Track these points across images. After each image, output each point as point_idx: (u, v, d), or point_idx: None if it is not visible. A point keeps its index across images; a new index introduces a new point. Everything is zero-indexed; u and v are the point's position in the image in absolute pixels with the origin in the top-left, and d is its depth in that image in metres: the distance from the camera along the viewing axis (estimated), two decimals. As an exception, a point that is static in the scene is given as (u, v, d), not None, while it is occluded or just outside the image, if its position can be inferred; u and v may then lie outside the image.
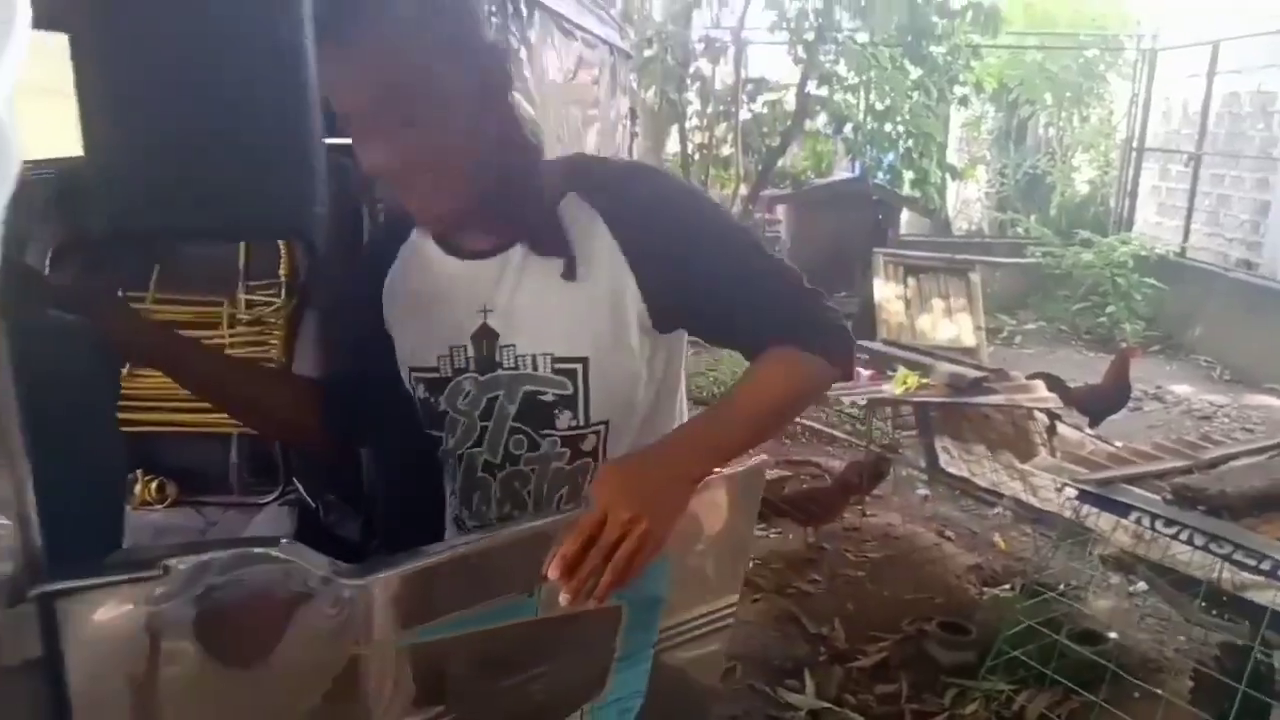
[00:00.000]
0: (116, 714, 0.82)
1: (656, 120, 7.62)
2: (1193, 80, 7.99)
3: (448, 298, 1.12)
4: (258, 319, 1.77)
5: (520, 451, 1.13)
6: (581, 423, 1.11)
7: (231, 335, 1.77)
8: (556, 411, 1.11)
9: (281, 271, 1.74)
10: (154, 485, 1.88)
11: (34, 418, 0.73)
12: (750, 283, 1.10)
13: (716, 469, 1.06)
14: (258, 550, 0.85)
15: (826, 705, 2.66)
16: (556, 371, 1.09)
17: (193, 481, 1.80)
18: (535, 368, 1.10)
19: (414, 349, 1.16)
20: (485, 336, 1.11)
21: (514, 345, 1.10)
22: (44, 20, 0.60)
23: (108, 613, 0.80)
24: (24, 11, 0.53)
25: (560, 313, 1.08)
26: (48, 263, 1.55)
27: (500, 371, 1.11)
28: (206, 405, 1.81)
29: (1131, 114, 8.63)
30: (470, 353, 1.12)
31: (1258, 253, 7.47)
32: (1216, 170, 7.93)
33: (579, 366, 1.09)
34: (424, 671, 0.95)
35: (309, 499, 1.73)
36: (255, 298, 1.77)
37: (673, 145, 7.85)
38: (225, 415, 1.81)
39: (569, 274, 1.07)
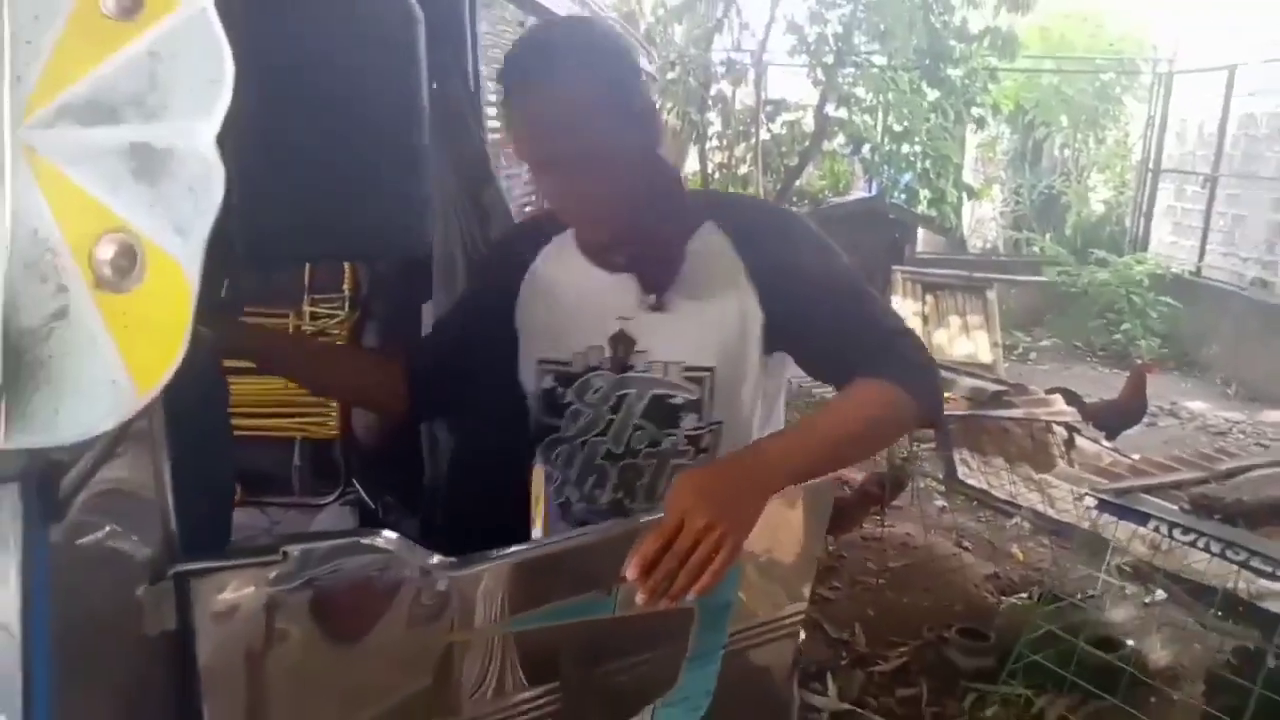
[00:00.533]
0: (238, 683, 0.90)
1: (677, 140, 7.74)
2: (1208, 103, 8.06)
3: (590, 302, 1.24)
4: (321, 330, 1.88)
5: (640, 446, 1.23)
6: (704, 424, 1.22)
7: (296, 345, 1.89)
8: (682, 414, 1.21)
9: (345, 286, 1.85)
10: (218, 487, 1.97)
11: (171, 420, 0.83)
12: (854, 317, 1.19)
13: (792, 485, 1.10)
14: (365, 540, 0.94)
15: (849, 707, 2.73)
16: (686, 379, 1.21)
17: (256, 482, 1.90)
18: (666, 374, 1.21)
19: (548, 343, 1.26)
20: (622, 341, 1.22)
21: (647, 352, 1.21)
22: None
23: (234, 591, 0.89)
24: (230, 70, 0.64)
25: (691, 327, 1.20)
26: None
27: (633, 373, 1.22)
28: (271, 410, 1.94)
29: (1147, 136, 8.69)
30: (606, 353, 1.23)
31: (1273, 272, 7.50)
32: (1232, 191, 7.98)
33: (707, 375, 1.20)
34: (510, 660, 1.02)
35: (368, 500, 1.83)
36: (319, 310, 1.88)
37: (691, 164, 7.97)
38: (288, 420, 1.94)
39: (657, 306, 1.19)
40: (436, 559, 0.95)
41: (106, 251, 0.65)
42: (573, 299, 1.25)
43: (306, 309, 1.88)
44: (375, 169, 0.88)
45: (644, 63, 4.10)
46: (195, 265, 0.67)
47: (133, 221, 0.65)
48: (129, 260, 0.66)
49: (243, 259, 0.88)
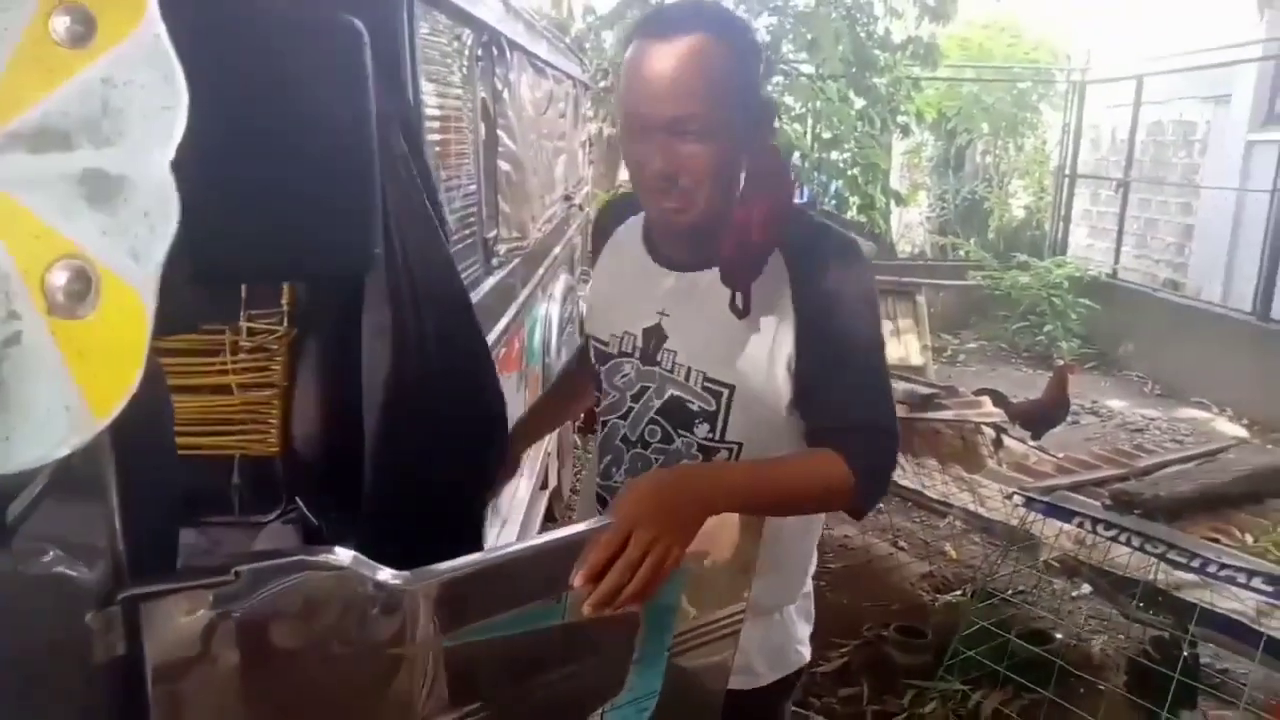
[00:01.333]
0: (189, 708, 0.89)
1: (612, 149, 7.77)
2: (1119, 110, 8.38)
3: (634, 287, 1.24)
4: (260, 346, 1.85)
5: (653, 440, 1.25)
6: (717, 437, 1.21)
7: (234, 362, 1.85)
8: (697, 421, 1.21)
9: (284, 301, 1.83)
10: (152, 507, 1.91)
11: (118, 439, 0.82)
12: (856, 390, 1.15)
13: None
14: (317, 558, 0.93)
15: (793, 708, 2.77)
16: (704, 389, 1.20)
17: (195, 502, 1.86)
18: (687, 379, 1.21)
19: (595, 318, 1.30)
20: (655, 335, 1.23)
21: (675, 352, 1.22)
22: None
23: (184, 614, 0.89)
24: (184, 95, 0.65)
25: (723, 340, 1.18)
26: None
27: (658, 368, 1.23)
28: (208, 428, 1.90)
29: (1063, 142, 9.00)
30: (638, 342, 1.24)
31: (1183, 273, 7.85)
32: (1144, 195, 8.31)
33: (726, 391, 1.19)
34: (462, 672, 1.02)
35: (311, 517, 1.81)
36: (257, 325, 1.85)
37: (624, 173, 7.98)
38: (227, 438, 1.90)
39: (738, 312, 1.16)
40: (389, 574, 0.95)
41: (60, 278, 0.65)
42: (623, 281, 1.27)
43: (244, 325, 1.84)
44: (322, 188, 0.88)
45: (576, 70, 4.12)
46: (151, 290, 0.67)
47: (87, 248, 0.65)
48: (83, 286, 0.65)
49: (194, 278, 0.87)
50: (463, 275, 1.97)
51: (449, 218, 1.78)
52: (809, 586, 1.39)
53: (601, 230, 1.36)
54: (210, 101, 0.86)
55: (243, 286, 1.86)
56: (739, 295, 1.15)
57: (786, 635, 1.35)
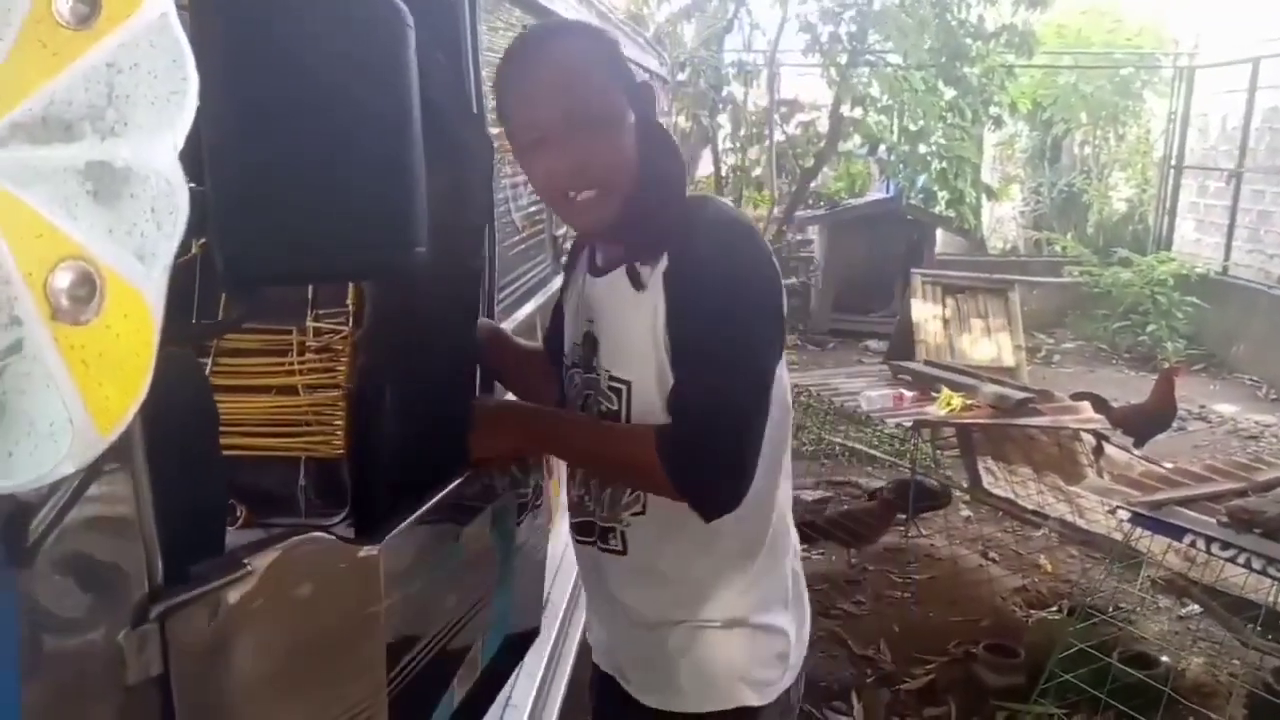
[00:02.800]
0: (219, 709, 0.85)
1: (688, 144, 7.69)
2: (1231, 96, 7.94)
3: (577, 300, 1.29)
4: (326, 346, 1.83)
5: None
6: None
7: (301, 362, 1.84)
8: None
9: (349, 301, 1.80)
10: (222, 507, 1.91)
11: (153, 444, 0.77)
12: (693, 377, 1.10)
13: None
14: (310, 535, 0.94)
15: (876, 728, 2.67)
16: (609, 388, 1.21)
17: (261, 504, 1.85)
18: (601, 381, 1.22)
19: (564, 335, 1.34)
20: (589, 342, 1.25)
21: (600, 355, 1.23)
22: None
23: (204, 619, 0.85)
24: (194, 81, 0.59)
25: (621, 336, 1.19)
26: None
27: (594, 375, 1.23)
28: (274, 429, 1.89)
29: (1169, 131, 8.58)
30: (581, 352, 1.27)
31: (1301, 270, 7.39)
32: (1258, 186, 7.85)
33: (624, 388, 1.19)
34: (401, 620, 1.06)
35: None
36: (323, 325, 1.83)
37: (704, 168, 7.90)
38: (293, 440, 1.88)
39: (635, 283, 1.16)
40: (361, 540, 0.99)
41: (63, 280, 0.60)
42: (571, 296, 1.32)
43: (310, 325, 1.83)
44: (361, 184, 0.82)
45: (654, 64, 4.05)
46: (159, 294, 0.62)
47: (91, 247, 0.60)
48: (87, 289, 0.60)
49: (222, 279, 0.82)
50: (531, 274, 1.92)
51: (515, 215, 1.73)
52: (771, 619, 1.25)
53: (577, 248, 1.39)
54: (242, 92, 0.80)
55: (309, 287, 1.85)
56: (634, 268, 1.16)
57: (719, 663, 1.22)
